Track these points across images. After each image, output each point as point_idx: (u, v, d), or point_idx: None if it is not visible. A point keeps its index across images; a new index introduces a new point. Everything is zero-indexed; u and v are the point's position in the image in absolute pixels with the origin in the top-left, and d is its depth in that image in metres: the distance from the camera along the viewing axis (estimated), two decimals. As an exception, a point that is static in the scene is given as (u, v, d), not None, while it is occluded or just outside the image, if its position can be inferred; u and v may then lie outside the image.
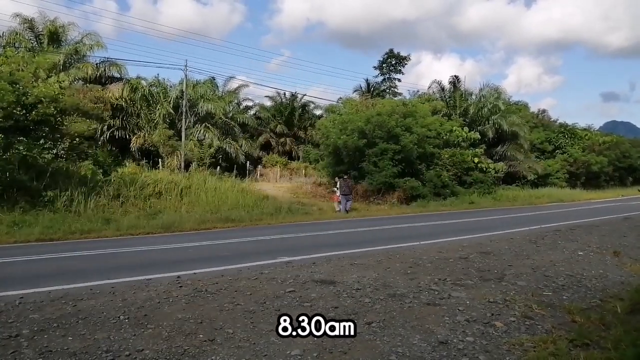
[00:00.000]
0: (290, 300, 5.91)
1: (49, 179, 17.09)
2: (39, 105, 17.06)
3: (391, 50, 49.84)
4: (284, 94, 42.74)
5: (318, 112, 43.26)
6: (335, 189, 22.30)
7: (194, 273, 7.94)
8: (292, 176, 33.98)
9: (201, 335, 4.67)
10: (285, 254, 10.06)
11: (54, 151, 18.11)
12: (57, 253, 10.59)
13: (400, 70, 50.04)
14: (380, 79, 49.62)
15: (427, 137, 25.84)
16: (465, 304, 5.84)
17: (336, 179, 23.20)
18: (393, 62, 49.71)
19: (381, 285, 6.69)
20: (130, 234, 13.97)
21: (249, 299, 6.00)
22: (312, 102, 43.54)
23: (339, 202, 21.34)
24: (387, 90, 48.36)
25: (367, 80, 45.87)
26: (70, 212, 16.06)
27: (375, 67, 50.52)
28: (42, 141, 17.35)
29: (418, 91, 41.76)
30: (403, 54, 50.16)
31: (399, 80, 50.07)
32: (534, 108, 53.14)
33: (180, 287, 6.67)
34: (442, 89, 36.37)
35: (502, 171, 31.71)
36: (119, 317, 5.23)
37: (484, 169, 30.14)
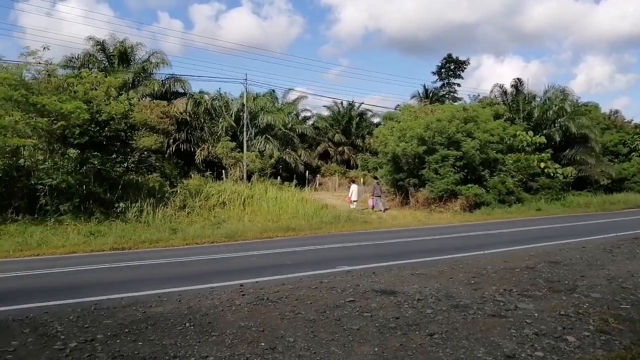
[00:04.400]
0: (350, 310, 5.89)
1: (121, 190, 18.08)
2: (111, 122, 18.14)
3: (449, 55, 48.92)
4: (342, 103, 42.99)
5: (376, 120, 43.13)
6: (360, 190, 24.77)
7: (256, 281, 8.10)
8: (350, 185, 33.98)
9: (263, 344, 4.74)
10: (345, 263, 10.05)
11: (125, 164, 19.14)
12: (128, 261, 11.14)
13: (459, 74, 49.03)
14: (439, 84, 48.81)
15: (489, 142, 25.02)
16: (533, 317, 5.58)
17: (349, 183, 27.51)
18: (452, 67, 48.75)
19: (444, 296, 6.53)
20: (196, 243, 14.46)
21: (310, 307, 6.03)
22: (370, 110, 43.52)
23: (352, 203, 23.58)
24: (447, 96, 47.43)
25: (425, 86, 45.17)
26: (140, 222, 16.87)
27: (433, 73, 49.78)
28: (114, 155, 18.41)
29: (479, 95, 40.60)
30: (462, 58, 49.16)
31: (459, 85, 49.03)
32: (605, 109, 50.11)
33: (243, 295, 6.82)
34: (505, 92, 35.15)
35: (571, 176, 30.08)
36: (184, 324, 5.42)
37: (552, 174, 28.74)
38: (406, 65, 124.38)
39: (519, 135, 29.16)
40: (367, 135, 40.57)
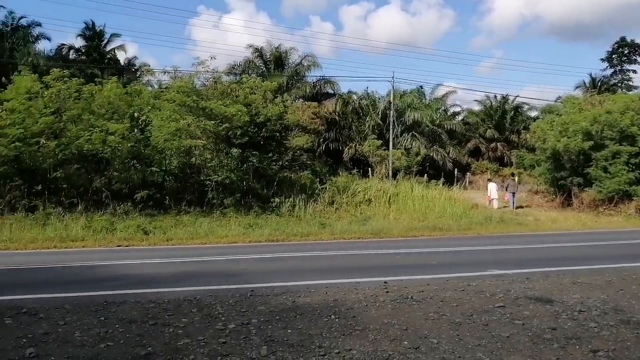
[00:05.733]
0: (500, 316, 5.55)
1: (276, 187, 19.45)
2: (267, 123, 19.57)
3: (623, 39, 43.15)
4: (494, 96, 40.60)
5: (533, 113, 39.95)
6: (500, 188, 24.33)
7: (401, 280, 8.06)
8: (503, 183, 31.93)
9: (406, 342, 4.71)
10: (495, 267, 9.50)
11: (280, 163, 20.48)
12: (281, 253, 11.90)
13: (635, 60, 42.92)
14: (609, 72, 43.39)
15: (674, 136, 21.56)
16: None
17: (487, 181, 26.83)
18: (625, 52, 42.91)
19: (611, 309, 5.80)
20: (342, 238, 14.89)
21: (455, 310, 5.82)
22: (526, 104, 40.44)
23: (491, 202, 23.05)
24: (619, 85, 41.96)
25: (592, 74, 40.57)
26: (293, 216, 17.93)
27: (602, 60, 44.30)
28: (270, 154, 19.82)
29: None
30: (638, 41, 42.94)
31: (634, 71, 42.97)
32: None
33: (387, 292, 6.84)
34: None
35: None
36: (330, 315, 5.61)
37: None
38: (567, 53, 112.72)
39: None
40: (522, 131, 37.77)
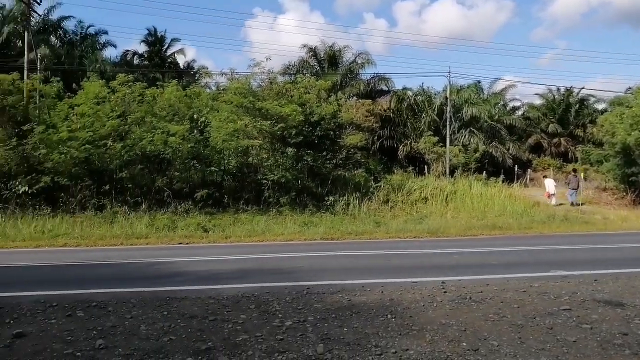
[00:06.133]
0: (565, 320, 5.30)
1: (330, 185, 19.52)
2: (321, 122, 19.69)
3: None
4: (557, 89, 38.81)
5: (600, 106, 37.85)
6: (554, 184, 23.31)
7: (459, 280, 7.87)
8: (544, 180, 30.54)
9: (464, 344, 4.59)
10: (559, 267, 9.08)
11: (334, 161, 20.55)
12: (335, 251, 11.92)
13: None
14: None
15: None
16: None
17: (543, 177, 26.25)
18: None
19: (690, 314, 5.40)
20: (398, 237, 14.73)
21: (517, 312, 5.62)
22: (592, 96, 38.42)
23: (550, 197, 22.37)
24: (698, 73, 38.93)
25: (667, 63, 37.77)
26: (347, 215, 17.93)
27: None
28: (324, 153, 19.93)
29: None
30: None
31: None
32: None
33: (445, 292, 6.71)
34: None
35: None
36: (386, 315, 5.57)
37: None
38: (638, 40, 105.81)
39: None
40: (588, 125, 35.90)
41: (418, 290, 6.90)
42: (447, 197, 20.66)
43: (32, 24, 26.75)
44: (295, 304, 6.12)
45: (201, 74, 38.46)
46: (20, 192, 16.60)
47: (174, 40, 38.59)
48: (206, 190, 17.73)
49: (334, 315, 5.57)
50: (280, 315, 5.58)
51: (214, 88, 32.12)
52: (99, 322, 5.35)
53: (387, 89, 34.18)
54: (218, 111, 19.84)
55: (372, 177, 21.86)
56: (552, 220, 17.77)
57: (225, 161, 19.40)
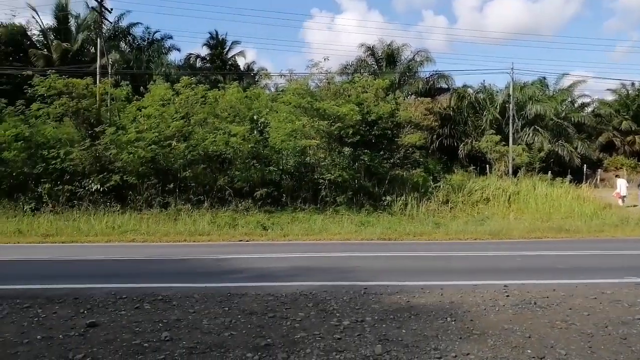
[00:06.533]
0: (641, 329, 4.98)
1: (387, 185, 19.36)
2: (379, 121, 19.58)
3: None
4: (631, 84, 36.49)
5: (682, 101, 35.21)
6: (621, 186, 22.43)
7: (522, 284, 7.57)
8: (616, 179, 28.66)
9: (529, 351, 4.42)
10: (634, 274, 8.53)
11: (391, 161, 20.38)
12: (393, 251, 11.81)
13: None
14: None
15: None
16: None
17: (615, 177, 25.49)
18: None
19: None
20: (458, 239, 14.38)
21: (586, 320, 5.34)
22: (673, 90, 35.76)
23: (621, 199, 21.54)
24: None
25: None
26: (405, 215, 17.72)
27: None
28: (381, 152, 19.81)
29: None
30: None
31: None
32: None
33: (507, 296, 6.48)
34: None
35: None
36: (446, 318, 5.45)
37: None
38: None
39: None
40: (668, 122, 33.54)
41: (479, 293, 6.71)
42: (509, 197, 19.96)
43: (103, 31, 28.33)
44: (352, 303, 6.12)
45: (261, 75, 39.28)
46: (93, 190, 17.61)
47: (234, 42, 39.68)
48: (265, 189, 18.09)
49: (392, 317, 5.52)
50: (337, 315, 5.59)
51: (273, 89, 32.73)
52: (165, 315, 5.58)
53: (446, 86, 33.49)
54: (277, 112, 20.21)
55: (431, 177, 21.48)
56: (626, 223, 16.73)
57: (284, 161, 19.69)
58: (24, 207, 17.06)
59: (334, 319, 5.43)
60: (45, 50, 31.39)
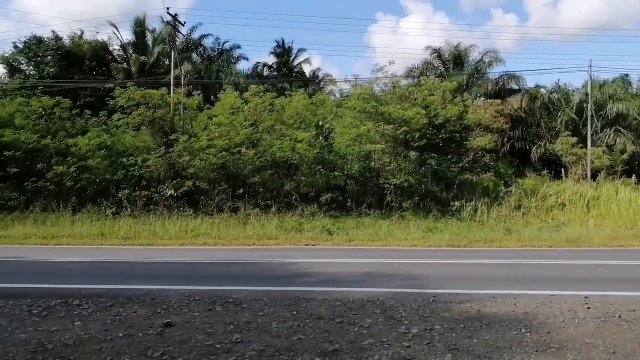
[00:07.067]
0: None
1: (456, 190, 18.87)
2: (446, 125, 19.17)
3: None
4: None
5: None
6: None
7: (605, 295, 7.11)
8: None
9: (614, 368, 4.14)
10: None
11: (460, 165, 19.85)
12: (462, 259, 11.49)
13: None
14: None
15: None
16: None
17: None
18: None
19: None
20: (531, 246, 13.74)
21: (679, 336, 4.93)
22: None
23: None
24: None
25: None
26: (474, 221, 17.18)
27: None
28: (449, 156, 19.36)
29: None
30: None
31: None
32: None
33: (588, 308, 6.12)
34: None
35: None
36: (520, 329, 5.23)
37: None
38: None
39: None
40: None
41: (556, 304, 6.37)
42: (588, 203, 18.82)
43: (177, 43, 29.77)
44: (421, 311, 6.02)
45: (326, 81, 39.61)
46: (168, 195, 18.49)
47: (300, 50, 40.28)
48: (330, 194, 18.20)
49: (463, 326, 5.37)
50: (406, 322, 5.52)
51: (338, 95, 32.90)
52: (235, 317, 5.75)
53: (517, 87, 32.17)
54: (342, 117, 20.29)
55: (502, 181, 20.69)
56: None
57: (349, 166, 19.73)
58: (105, 212, 18.21)
59: (402, 326, 5.37)
60: (125, 63, 33.44)
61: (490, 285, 8.08)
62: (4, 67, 32.91)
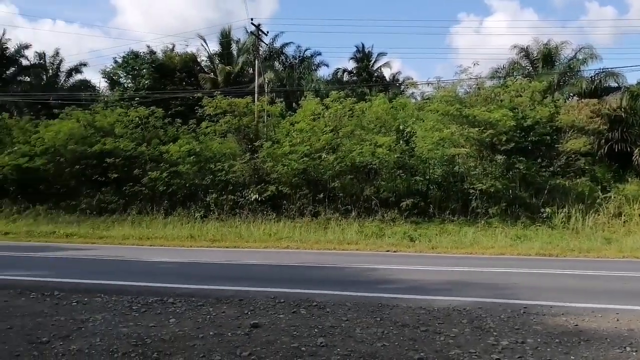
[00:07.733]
0: None
1: (547, 195, 17.83)
2: (535, 127, 18.22)
3: None
4: None
5: None
6: None
7: None
8: None
9: None
10: None
11: (551, 169, 18.77)
12: (555, 269, 10.79)
13: None
14: None
15: None
16: None
17: None
18: None
19: None
20: (635, 257, 12.66)
21: None
22: None
23: None
24: None
25: None
26: (568, 229, 16.14)
27: None
28: (539, 160, 18.36)
29: None
30: None
31: None
32: None
33: None
34: None
35: None
36: (625, 347, 4.82)
37: None
38: None
39: None
40: None
41: (667, 322, 5.80)
42: None
43: (260, 53, 30.80)
44: (511, 323, 5.73)
45: (406, 85, 39.13)
46: (252, 199, 19.16)
47: (380, 54, 40.16)
48: (411, 200, 17.91)
49: (558, 340, 5.04)
50: (495, 334, 5.28)
51: (419, 98, 32.34)
52: (319, 321, 5.81)
53: (616, 85, 29.79)
54: (423, 121, 19.93)
55: (599, 187, 19.26)
56: None
57: (431, 170, 19.32)
58: (194, 215, 19.21)
59: (490, 337, 5.14)
60: (212, 73, 35.19)
61: (589, 298, 7.53)
62: (106, 81, 35.94)
